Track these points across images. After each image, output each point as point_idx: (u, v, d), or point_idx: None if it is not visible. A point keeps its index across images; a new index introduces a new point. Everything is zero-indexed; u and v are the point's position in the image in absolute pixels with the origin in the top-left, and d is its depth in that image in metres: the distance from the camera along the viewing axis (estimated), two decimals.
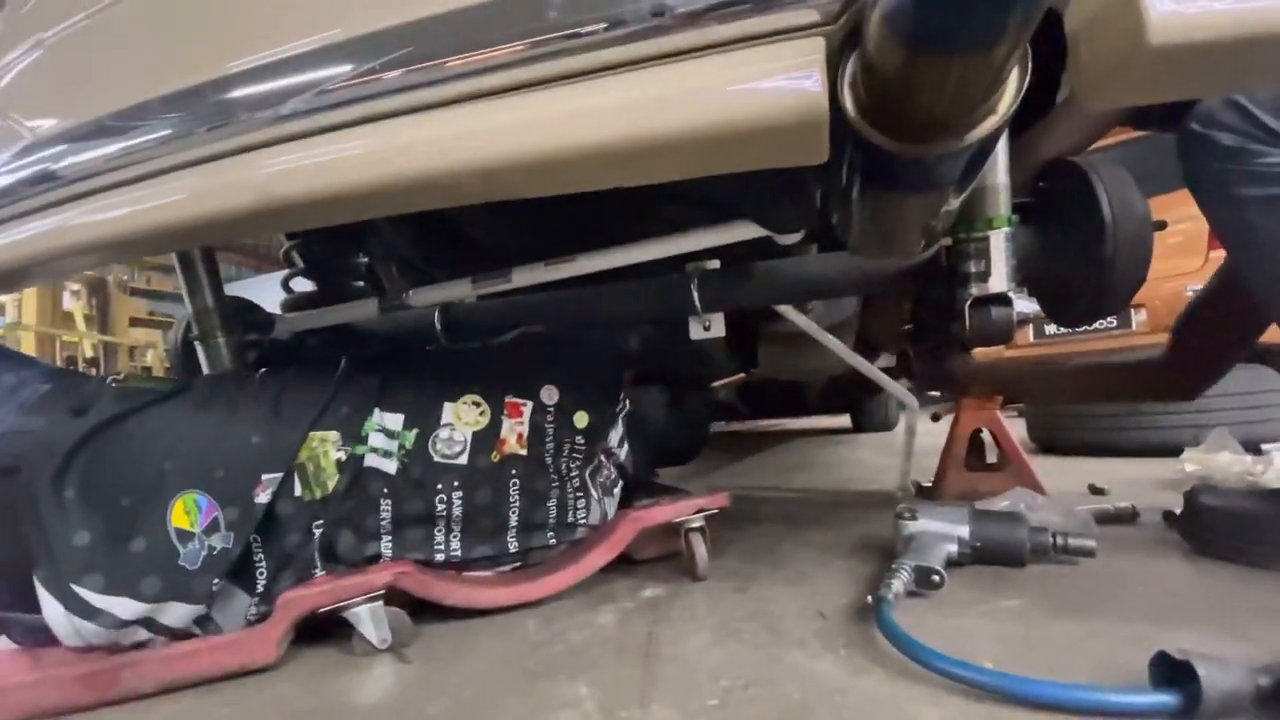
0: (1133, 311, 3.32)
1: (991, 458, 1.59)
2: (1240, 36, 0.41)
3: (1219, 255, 0.98)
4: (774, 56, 0.48)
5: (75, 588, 0.70)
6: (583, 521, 1.00)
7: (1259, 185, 0.81)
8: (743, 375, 1.97)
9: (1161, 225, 0.81)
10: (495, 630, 0.85)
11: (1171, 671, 0.53)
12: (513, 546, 0.94)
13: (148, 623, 0.74)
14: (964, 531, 0.94)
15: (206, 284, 1.16)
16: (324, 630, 0.83)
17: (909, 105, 0.44)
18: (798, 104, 0.47)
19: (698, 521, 1.03)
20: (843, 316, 1.34)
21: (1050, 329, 3.14)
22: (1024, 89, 0.46)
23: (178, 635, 0.76)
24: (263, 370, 0.97)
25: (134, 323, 7.98)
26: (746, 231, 0.92)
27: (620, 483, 1.08)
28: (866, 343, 1.49)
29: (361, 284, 1.51)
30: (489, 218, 1.09)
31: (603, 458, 1.05)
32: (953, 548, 0.93)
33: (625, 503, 1.07)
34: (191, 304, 1.17)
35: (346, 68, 0.56)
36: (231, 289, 1.24)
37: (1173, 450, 1.59)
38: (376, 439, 0.88)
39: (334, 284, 1.47)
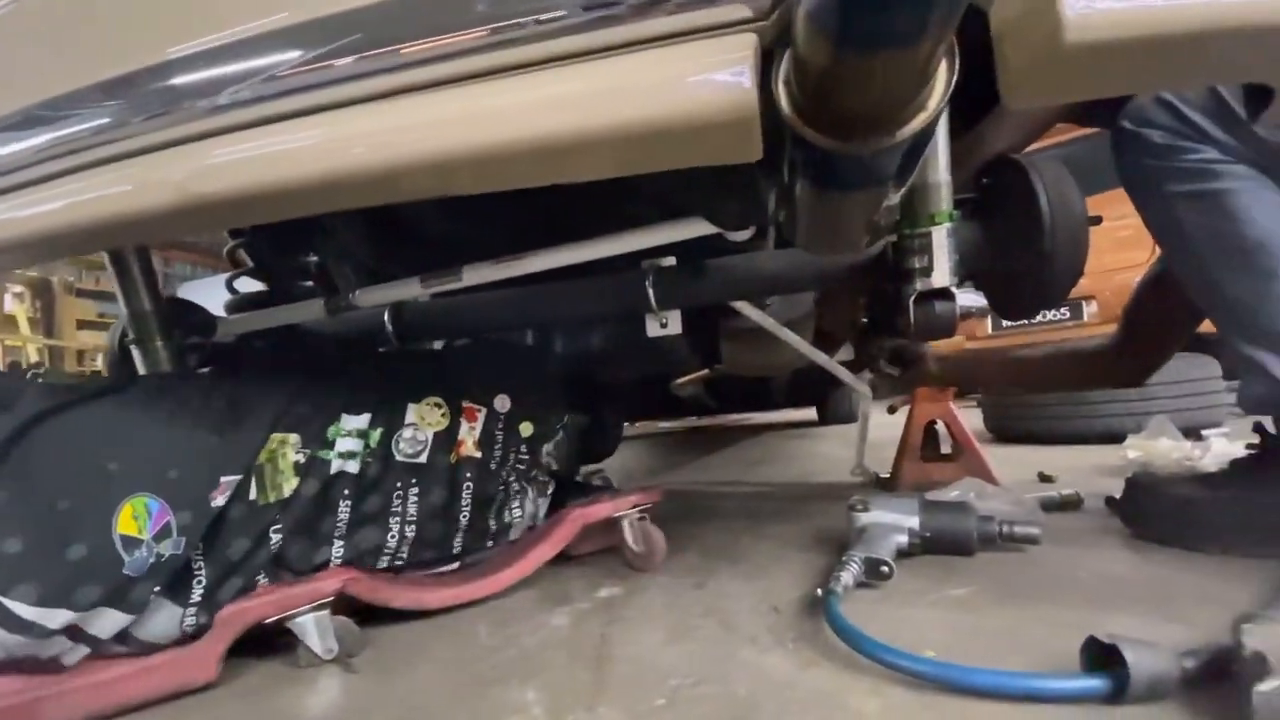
0: (1084, 303, 3.44)
1: (947, 448, 1.62)
2: (1155, 35, 0.42)
3: None
4: (706, 52, 0.48)
5: (4, 600, 0.63)
6: (518, 523, 1.04)
7: (1187, 181, 0.83)
8: (707, 371, 1.99)
9: (1097, 220, 0.83)
10: (446, 635, 0.84)
11: (1102, 656, 0.54)
12: (456, 548, 0.94)
13: (72, 631, 0.67)
14: (914, 522, 0.96)
15: (142, 284, 1.10)
16: (267, 642, 0.80)
17: (839, 102, 0.44)
18: (729, 101, 0.47)
19: (635, 516, 1.06)
20: (802, 311, 1.36)
21: (1006, 321, 3.23)
22: (953, 85, 0.46)
23: (99, 645, 0.70)
24: (208, 369, 0.94)
25: (81, 325, 7.65)
26: (697, 228, 0.92)
27: (552, 484, 1.11)
28: (825, 336, 1.51)
29: (312, 284, 1.47)
30: (443, 215, 1.06)
31: (537, 464, 1.06)
32: (903, 538, 0.95)
33: (563, 501, 1.09)
34: (127, 306, 1.11)
35: (264, 61, 0.54)
36: (187, 289, 1.19)
37: (1119, 438, 1.64)
38: (344, 443, 0.86)
39: (284, 284, 1.42)
